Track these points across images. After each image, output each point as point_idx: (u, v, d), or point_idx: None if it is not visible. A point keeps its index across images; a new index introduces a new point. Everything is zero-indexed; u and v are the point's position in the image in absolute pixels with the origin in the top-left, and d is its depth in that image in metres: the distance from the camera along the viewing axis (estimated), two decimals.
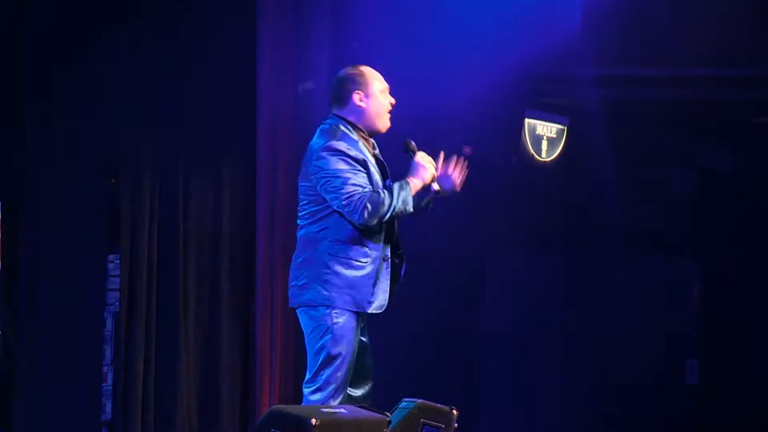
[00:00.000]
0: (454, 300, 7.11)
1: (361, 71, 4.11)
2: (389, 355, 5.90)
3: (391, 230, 4.12)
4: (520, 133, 7.62)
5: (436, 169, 4.10)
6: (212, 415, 6.35)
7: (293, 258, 4.16)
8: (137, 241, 5.87)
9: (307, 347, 4.09)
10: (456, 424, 4.07)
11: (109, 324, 5.99)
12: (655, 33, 6.94)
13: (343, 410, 3.86)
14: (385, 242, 4.10)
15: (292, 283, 4.11)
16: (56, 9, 5.53)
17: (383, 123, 4.14)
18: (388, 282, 4.11)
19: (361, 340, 4.15)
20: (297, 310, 4.12)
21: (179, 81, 6.00)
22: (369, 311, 4.06)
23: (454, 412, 4.09)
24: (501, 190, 7.33)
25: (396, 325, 5.94)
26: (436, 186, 4.09)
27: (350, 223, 3.97)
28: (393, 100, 4.16)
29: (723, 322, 8.21)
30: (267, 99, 6.59)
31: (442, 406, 4.11)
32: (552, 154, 7.88)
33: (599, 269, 7.75)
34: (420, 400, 4.12)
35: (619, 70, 7.30)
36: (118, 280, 5.79)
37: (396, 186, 3.99)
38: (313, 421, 3.53)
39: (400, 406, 4.11)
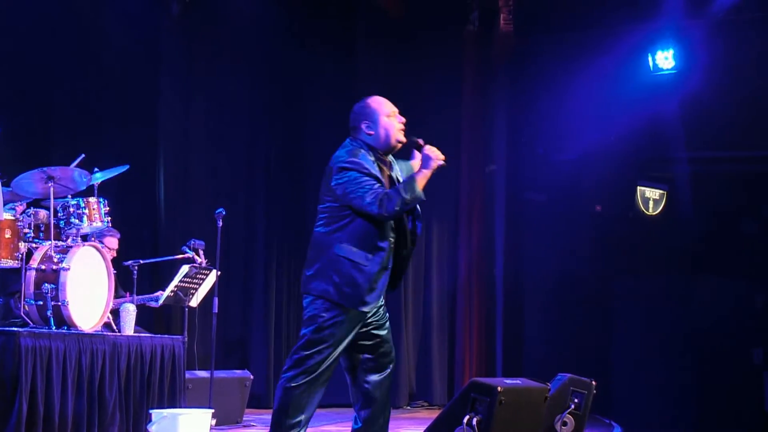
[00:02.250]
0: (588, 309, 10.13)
1: (368, 103, 4.50)
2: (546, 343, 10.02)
3: (398, 242, 4.40)
4: (635, 196, 10.62)
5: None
6: (426, 381, 9.84)
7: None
8: None
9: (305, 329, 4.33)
10: (594, 392, 5.68)
11: None
12: (726, 123, 9.73)
13: (518, 381, 5.01)
14: (389, 252, 4.36)
15: (303, 272, 4.33)
16: None
17: (394, 140, 4.48)
18: (383, 288, 4.36)
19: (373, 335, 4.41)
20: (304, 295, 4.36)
21: None
22: (362, 310, 4.30)
23: (593, 383, 5.68)
24: (621, 233, 10.32)
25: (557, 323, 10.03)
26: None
27: (369, 219, 4.25)
28: (402, 119, 4.53)
29: None
30: (466, 175, 10.12)
31: (585, 378, 5.64)
32: (656, 210, 10.82)
33: (688, 287, 10.23)
34: (570, 375, 5.64)
35: (702, 153, 10.20)
36: None
37: (403, 182, 4.32)
38: (499, 388, 4.69)
39: (555, 379, 5.58)
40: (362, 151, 4.40)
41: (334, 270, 4.28)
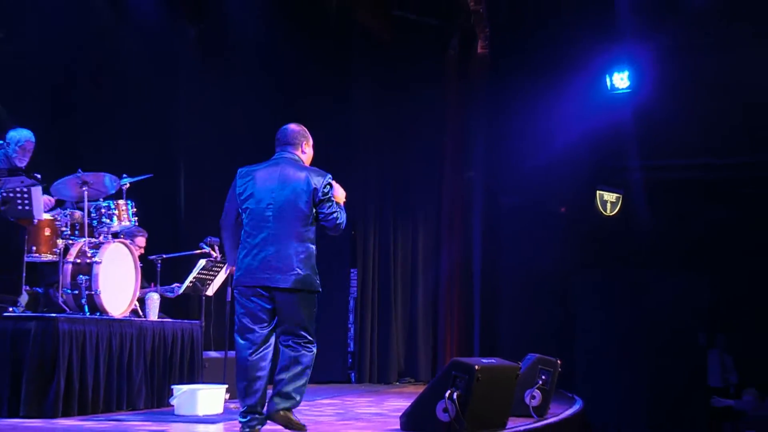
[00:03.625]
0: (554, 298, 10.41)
1: (305, 129, 4.79)
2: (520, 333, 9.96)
3: None
4: (594, 199, 10.86)
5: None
6: (412, 361, 9.82)
7: (285, 246, 4.54)
8: (366, 262, 9.49)
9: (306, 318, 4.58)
10: (559, 370, 5.77)
11: (351, 304, 9.74)
12: (674, 135, 10.02)
13: (493, 360, 4.97)
14: None
15: (295, 270, 4.52)
16: None
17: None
18: None
19: None
20: (294, 291, 4.55)
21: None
22: None
23: (559, 362, 5.78)
24: (583, 232, 10.51)
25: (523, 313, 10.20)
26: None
27: (329, 230, 4.68)
28: None
29: (722, 312, 10.55)
30: (449, 180, 10.19)
31: (551, 358, 5.77)
32: (613, 211, 11.03)
33: (641, 279, 10.40)
34: (538, 355, 5.72)
35: (652, 162, 10.50)
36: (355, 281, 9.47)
37: (342, 207, 4.67)
38: (477, 366, 4.66)
39: (525, 358, 5.68)
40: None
41: (315, 267, 4.63)
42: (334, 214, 4.60)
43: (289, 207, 4.56)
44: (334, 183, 4.69)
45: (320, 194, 4.57)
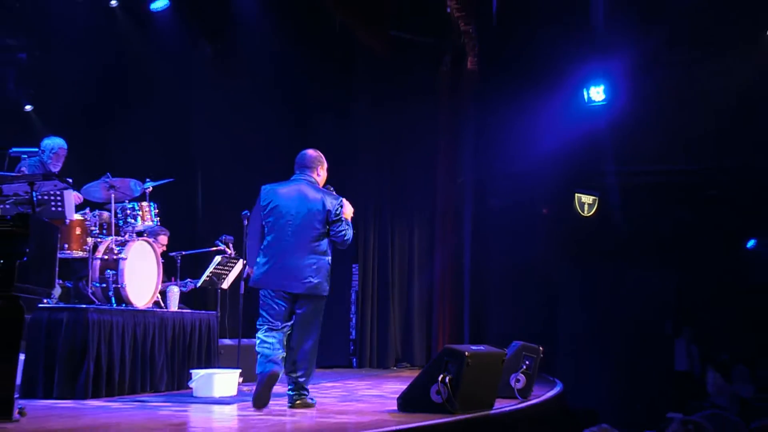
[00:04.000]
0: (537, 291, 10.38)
1: (322, 155, 5.03)
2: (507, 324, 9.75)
3: None
4: (573, 201, 10.91)
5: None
6: (408, 348, 9.85)
7: (300, 258, 4.81)
8: (367, 258, 9.67)
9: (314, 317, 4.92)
10: (541, 356, 5.76)
11: (353, 296, 9.79)
12: (645, 143, 10.15)
13: (482, 347, 4.98)
14: None
15: (308, 278, 4.80)
16: None
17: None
18: None
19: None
20: (306, 296, 4.84)
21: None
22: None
23: (541, 349, 5.78)
24: (562, 231, 10.57)
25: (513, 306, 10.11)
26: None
27: (338, 245, 4.93)
28: None
29: (685, 305, 10.75)
30: (442, 184, 10.14)
31: (534, 345, 5.76)
32: (590, 212, 11.03)
33: (616, 274, 10.53)
34: (522, 342, 5.71)
35: (626, 167, 10.57)
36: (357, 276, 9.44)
37: (350, 226, 4.94)
38: (467, 353, 4.69)
39: (511, 345, 5.69)
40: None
41: (328, 275, 4.88)
42: (342, 232, 4.90)
43: (305, 224, 4.84)
44: (344, 202, 4.98)
45: (333, 215, 4.90)
